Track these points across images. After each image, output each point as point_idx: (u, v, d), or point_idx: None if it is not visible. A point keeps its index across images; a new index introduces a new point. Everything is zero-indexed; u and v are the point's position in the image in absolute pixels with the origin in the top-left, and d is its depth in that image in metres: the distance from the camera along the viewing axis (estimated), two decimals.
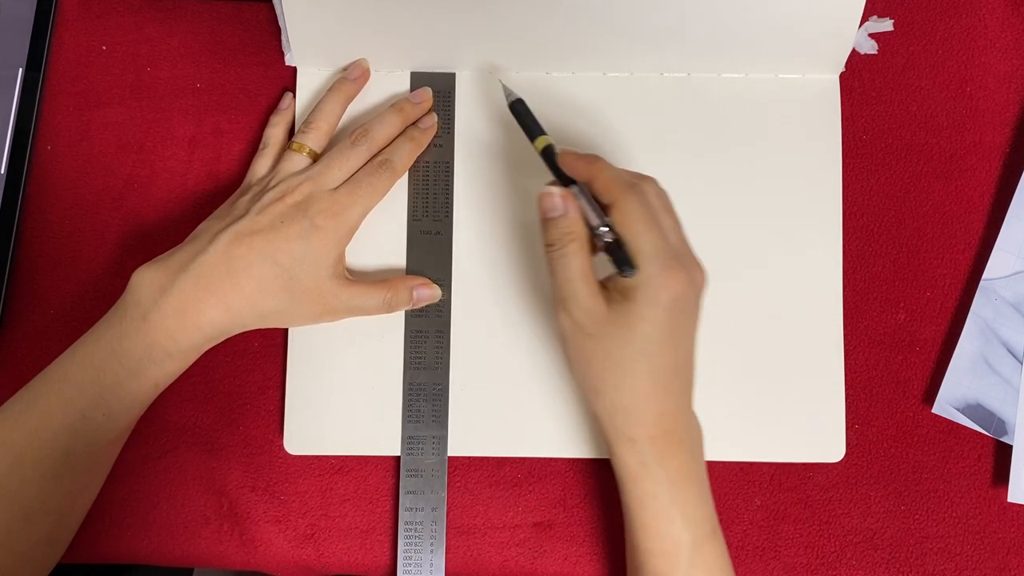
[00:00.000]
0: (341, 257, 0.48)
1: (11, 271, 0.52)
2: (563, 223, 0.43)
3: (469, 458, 0.51)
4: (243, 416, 0.51)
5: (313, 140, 0.50)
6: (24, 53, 0.53)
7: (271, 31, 0.53)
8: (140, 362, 0.44)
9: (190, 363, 0.47)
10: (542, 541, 0.50)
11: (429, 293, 0.50)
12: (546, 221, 0.44)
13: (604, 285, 0.43)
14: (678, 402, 0.43)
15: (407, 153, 0.50)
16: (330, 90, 0.51)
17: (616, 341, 0.41)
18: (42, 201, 0.53)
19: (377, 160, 0.49)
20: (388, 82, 0.52)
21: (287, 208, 0.47)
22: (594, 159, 0.44)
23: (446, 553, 0.50)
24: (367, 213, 0.49)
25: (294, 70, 0.53)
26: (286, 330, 0.51)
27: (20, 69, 0.53)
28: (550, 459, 0.51)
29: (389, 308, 0.49)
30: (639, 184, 0.43)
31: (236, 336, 0.51)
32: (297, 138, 0.50)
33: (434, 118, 0.52)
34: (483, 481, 0.51)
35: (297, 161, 0.49)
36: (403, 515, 0.49)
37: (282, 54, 0.53)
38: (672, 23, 0.49)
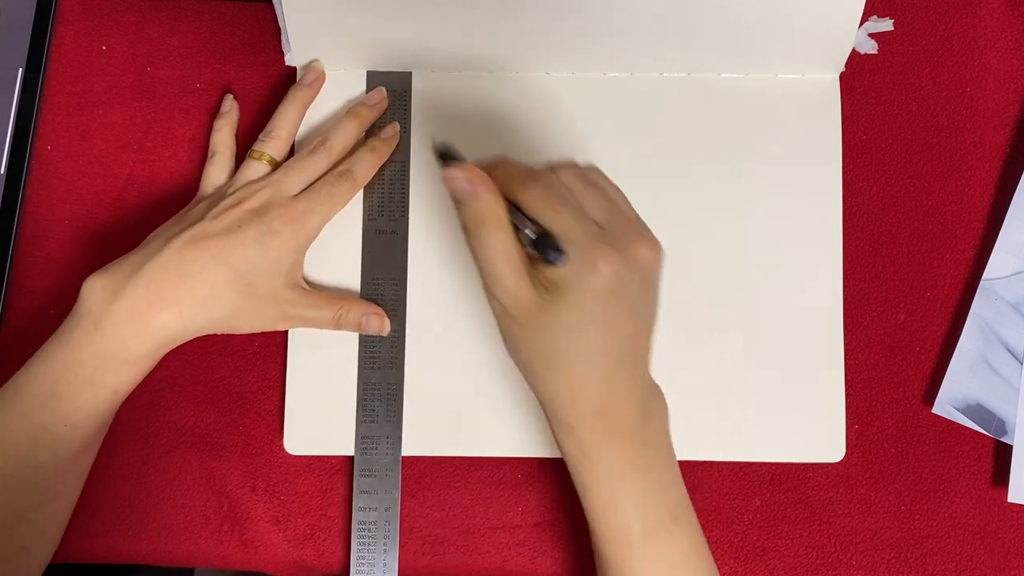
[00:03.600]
0: (297, 264, 0.48)
1: (11, 271, 0.52)
2: (475, 206, 0.40)
3: (469, 458, 0.51)
4: (243, 416, 0.51)
5: (273, 148, 0.50)
6: (24, 53, 0.53)
7: (271, 31, 0.53)
8: (95, 371, 0.44)
9: (147, 370, 0.46)
10: (542, 541, 0.50)
11: (378, 323, 0.49)
12: (458, 205, 0.40)
13: (535, 272, 0.40)
14: (621, 389, 0.40)
15: (368, 164, 0.50)
16: (287, 97, 0.51)
17: (546, 330, 0.39)
18: (42, 201, 0.53)
19: (338, 170, 0.49)
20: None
21: (244, 213, 0.46)
22: (493, 161, 0.41)
23: (446, 553, 0.50)
24: (325, 222, 0.49)
25: (294, 70, 0.53)
26: (286, 330, 0.51)
27: (20, 69, 0.53)
28: (550, 459, 0.51)
29: (337, 325, 0.49)
30: (541, 171, 0.40)
31: (236, 336, 0.51)
32: (257, 146, 0.50)
33: (396, 128, 0.51)
34: (483, 481, 0.51)
35: (256, 169, 0.49)
36: (356, 515, 0.49)
37: (282, 54, 0.53)
38: (672, 23, 0.49)
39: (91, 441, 0.46)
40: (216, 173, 0.50)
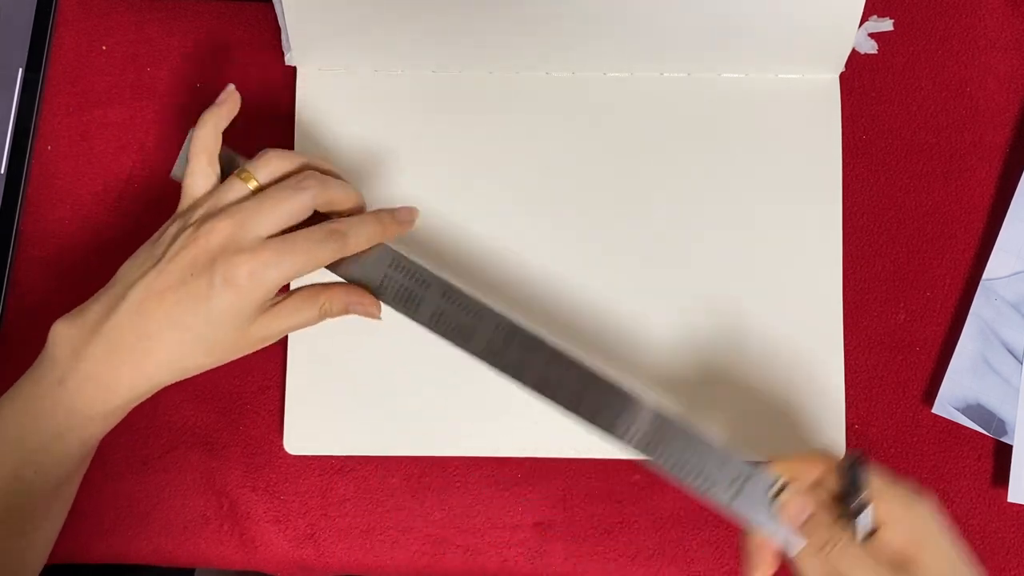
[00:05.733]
0: (261, 305, 0.41)
1: (11, 271, 0.52)
2: (822, 531, 0.40)
3: (469, 458, 0.51)
4: (243, 416, 0.51)
5: (265, 175, 0.43)
6: (24, 53, 0.53)
7: (271, 31, 0.53)
8: (61, 426, 0.42)
9: (116, 421, 0.44)
10: (542, 541, 0.50)
11: (364, 310, 0.44)
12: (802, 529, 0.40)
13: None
14: None
15: (367, 236, 0.43)
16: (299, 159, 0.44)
17: None
18: (42, 201, 0.53)
19: (330, 227, 0.42)
20: (389, 83, 0.52)
21: (199, 255, 0.40)
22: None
23: (446, 553, 0.50)
24: (291, 279, 0.41)
25: (294, 70, 0.53)
26: None
27: (20, 69, 0.53)
28: (550, 459, 0.51)
29: (322, 318, 0.44)
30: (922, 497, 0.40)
31: None
32: (249, 165, 0.43)
33: (415, 215, 0.45)
34: (483, 481, 0.51)
35: (237, 191, 0.42)
36: None
37: (282, 54, 0.53)
38: (672, 23, 0.49)
39: (63, 483, 0.44)
40: (194, 184, 0.43)
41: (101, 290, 0.43)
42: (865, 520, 0.40)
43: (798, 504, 0.41)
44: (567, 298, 0.51)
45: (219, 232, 0.41)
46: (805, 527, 0.41)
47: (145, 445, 0.51)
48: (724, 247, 0.51)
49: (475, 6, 0.49)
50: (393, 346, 0.51)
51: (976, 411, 0.50)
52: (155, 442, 0.51)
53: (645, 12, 0.49)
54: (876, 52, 0.53)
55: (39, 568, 0.47)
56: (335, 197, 0.43)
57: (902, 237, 0.52)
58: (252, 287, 0.40)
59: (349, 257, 0.43)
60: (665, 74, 0.52)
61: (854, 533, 0.40)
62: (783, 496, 0.41)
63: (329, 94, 0.52)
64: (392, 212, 0.44)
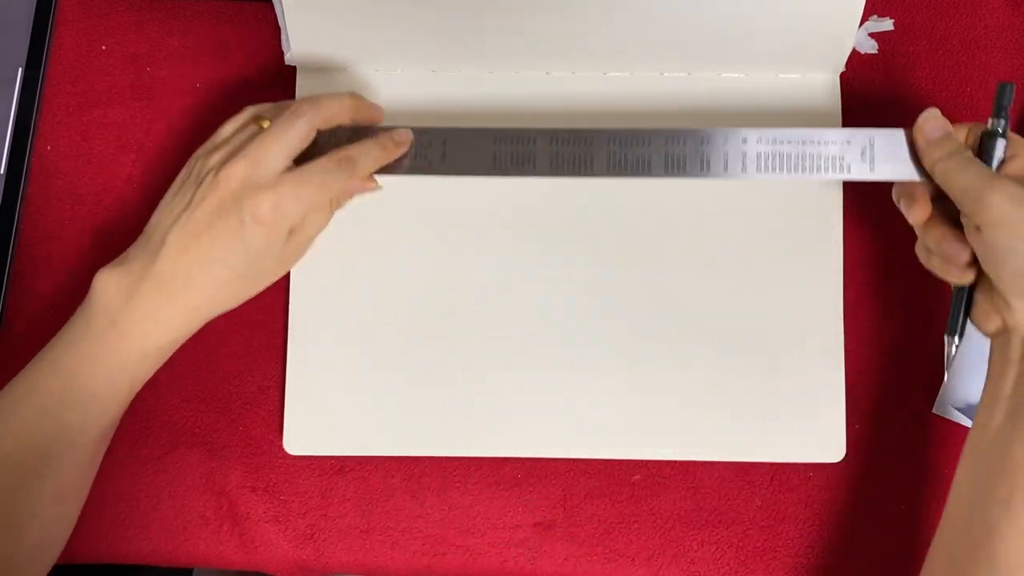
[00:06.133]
0: (287, 233, 0.44)
1: (11, 271, 0.52)
2: (947, 142, 0.43)
3: (469, 458, 0.51)
4: (243, 416, 0.51)
5: (275, 114, 0.46)
6: (24, 53, 0.53)
7: (271, 31, 0.53)
8: (114, 366, 0.44)
9: (163, 360, 0.47)
10: (542, 541, 0.50)
11: (365, 190, 0.48)
12: (931, 144, 0.44)
13: None
14: None
15: (373, 160, 0.46)
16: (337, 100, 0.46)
17: None
18: (42, 201, 0.53)
19: (339, 155, 0.45)
20: (389, 83, 0.52)
21: (224, 198, 0.43)
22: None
23: (446, 553, 0.50)
24: (311, 211, 0.45)
25: (294, 70, 0.53)
26: (286, 330, 0.51)
27: (20, 69, 0.53)
28: (550, 459, 0.51)
29: (332, 210, 0.47)
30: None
31: (236, 336, 0.51)
32: (262, 111, 0.47)
33: (410, 136, 0.47)
34: (483, 481, 0.51)
35: (251, 133, 0.45)
36: None
37: (282, 54, 0.53)
38: (672, 23, 0.49)
39: (103, 434, 0.46)
40: (229, 127, 0.46)
41: (137, 240, 0.45)
42: (999, 150, 0.43)
43: (934, 123, 0.44)
44: (565, 298, 0.51)
45: (237, 174, 0.43)
46: (938, 141, 0.44)
47: (145, 445, 0.51)
48: (724, 247, 0.51)
49: (475, 6, 0.49)
50: (393, 346, 0.51)
51: (976, 411, 0.50)
52: (155, 442, 0.51)
53: (645, 12, 0.49)
54: (876, 52, 0.53)
55: (71, 527, 0.47)
56: (332, 113, 0.46)
57: (902, 237, 0.52)
58: (277, 218, 0.43)
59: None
60: (665, 74, 0.52)
61: (987, 158, 0.43)
62: (919, 120, 0.45)
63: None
64: (390, 135, 0.47)
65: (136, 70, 0.53)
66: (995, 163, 0.43)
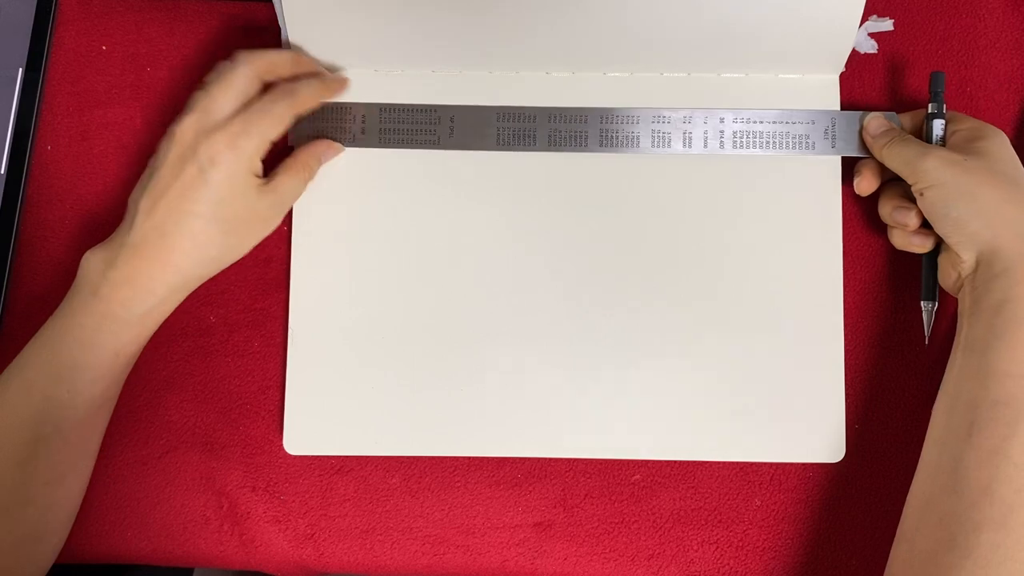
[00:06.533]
0: (253, 174, 0.46)
1: (11, 271, 0.52)
2: (888, 131, 0.49)
3: (469, 458, 0.51)
4: (243, 416, 0.51)
5: None
6: (24, 53, 0.53)
7: (271, 31, 0.53)
8: (95, 333, 0.45)
9: (149, 331, 0.47)
10: (542, 541, 0.50)
11: (332, 153, 0.51)
12: (875, 137, 0.50)
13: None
14: None
15: (314, 89, 0.48)
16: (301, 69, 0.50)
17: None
18: (42, 201, 0.53)
19: (278, 88, 0.47)
20: (389, 83, 0.52)
21: (182, 151, 0.45)
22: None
23: (446, 553, 0.50)
24: (265, 144, 0.46)
25: None
26: (286, 330, 0.51)
27: (20, 69, 0.53)
28: (550, 459, 0.51)
29: (309, 172, 0.49)
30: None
31: (236, 336, 0.51)
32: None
33: (347, 82, 0.51)
34: (483, 481, 0.51)
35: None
36: None
37: None
38: (672, 23, 0.49)
39: (96, 410, 0.47)
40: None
41: (120, 224, 0.47)
42: (936, 128, 0.49)
43: (876, 121, 0.50)
44: (567, 293, 0.51)
45: (190, 126, 0.45)
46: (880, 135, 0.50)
47: (145, 445, 0.51)
48: (724, 246, 0.51)
49: (475, 6, 0.49)
50: (393, 346, 0.51)
51: None
52: (155, 442, 0.51)
53: (645, 12, 0.49)
54: (876, 52, 0.53)
55: (70, 521, 0.48)
56: (272, 60, 0.48)
57: None
58: (235, 157, 0.45)
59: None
60: (665, 74, 0.52)
61: (928, 137, 0.49)
62: (863, 123, 0.51)
63: None
64: (329, 75, 0.51)
65: (136, 70, 0.53)
66: (935, 140, 0.49)
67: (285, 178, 0.48)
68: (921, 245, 0.49)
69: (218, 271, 0.48)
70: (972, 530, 0.40)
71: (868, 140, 0.50)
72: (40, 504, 0.45)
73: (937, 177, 0.46)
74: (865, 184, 0.50)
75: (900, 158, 0.48)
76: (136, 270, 0.45)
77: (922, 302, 0.50)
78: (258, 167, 0.47)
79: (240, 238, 0.47)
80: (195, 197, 0.45)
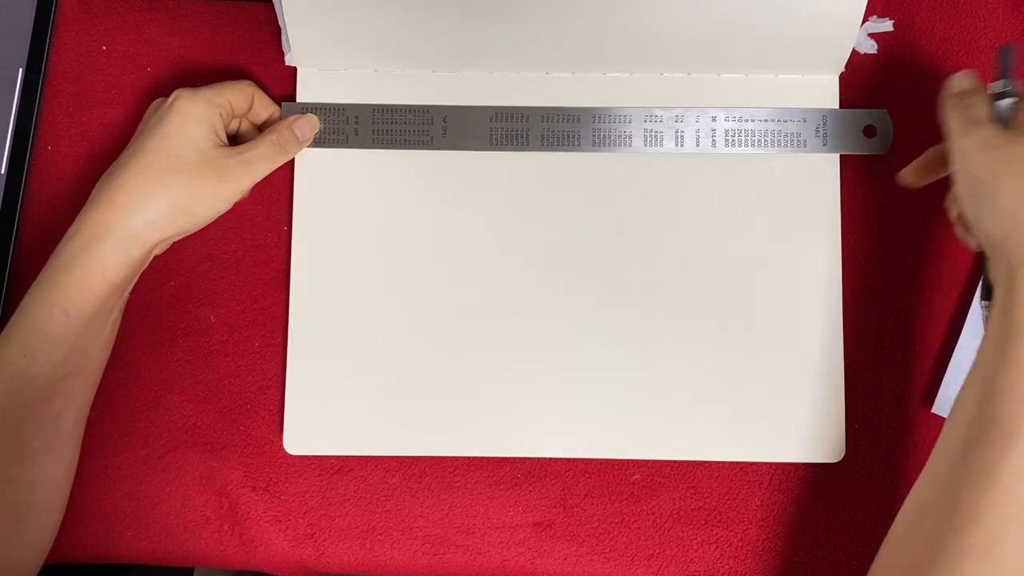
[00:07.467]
0: (213, 128, 0.48)
1: (11, 271, 0.52)
2: (965, 96, 0.44)
3: (469, 458, 0.51)
4: (243, 416, 0.51)
5: None
6: (24, 53, 0.53)
7: (271, 31, 0.53)
8: (44, 290, 0.45)
9: (98, 287, 0.45)
10: (542, 541, 0.50)
11: (309, 125, 0.51)
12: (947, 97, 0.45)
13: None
14: None
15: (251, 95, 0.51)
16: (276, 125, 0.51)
17: None
18: (42, 201, 0.53)
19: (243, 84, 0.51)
20: (389, 83, 0.52)
21: (138, 132, 0.49)
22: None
23: (446, 553, 0.50)
24: (226, 105, 0.49)
25: (294, 70, 0.53)
26: (286, 330, 0.51)
27: (20, 69, 0.53)
28: (550, 459, 0.51)
29: (284, 152, 0.50)
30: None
31: (236, 336, 0.51)
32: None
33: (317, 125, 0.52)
34: (483, 481, 0.51)
35: None
36: None
37: (282, 54, 0.53)
38: (672, 23, 0.49)
39: (60, 381, 0.45)
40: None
41: None
42: (1007, 104, 0.43)
43: (960, 80, 0.45)
44: (566, 293, 0.51)
45: (150, 112, 0.49)
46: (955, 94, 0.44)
47: (145, 445, 0.51)
48: (723, 247, 0.51)
49: (475, 6, 0.49)
50: (393, 346, 0.51)
51: None
52: (155, 442, 0.51)
53: (645, 13, 0.49)
54: (876, 52, 0.53)
55: (56, 505, 0.47)
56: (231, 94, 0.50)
57: (901, 237, 0.52)
58: (190, 98, 0.48)
59: None
60: (665, 74, 0.52)
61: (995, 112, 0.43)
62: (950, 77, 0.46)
63: (329, 94, 0.52)
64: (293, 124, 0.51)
65: (136, 70, 0.53)
66: (1001, 119, 0.43)
67: (255, 141, 0.49)
68: (962, 238, 0.46)
69: (175, 231, 0.47)
70: (956, 556, 0.38)
71: (943, 95, 0.45)
72: (15, 480, 0.44)
73: (963, 160, 0.42)
74: (909, 175, 0.47)
75: (946, 129, 0.43)
76: (84, 220, 0.46)
77: (980, 301, 0.44)
78: (217, 123, 0.48)
79: (193, 190, 0.47)
80: (145, 135, 0.47)
